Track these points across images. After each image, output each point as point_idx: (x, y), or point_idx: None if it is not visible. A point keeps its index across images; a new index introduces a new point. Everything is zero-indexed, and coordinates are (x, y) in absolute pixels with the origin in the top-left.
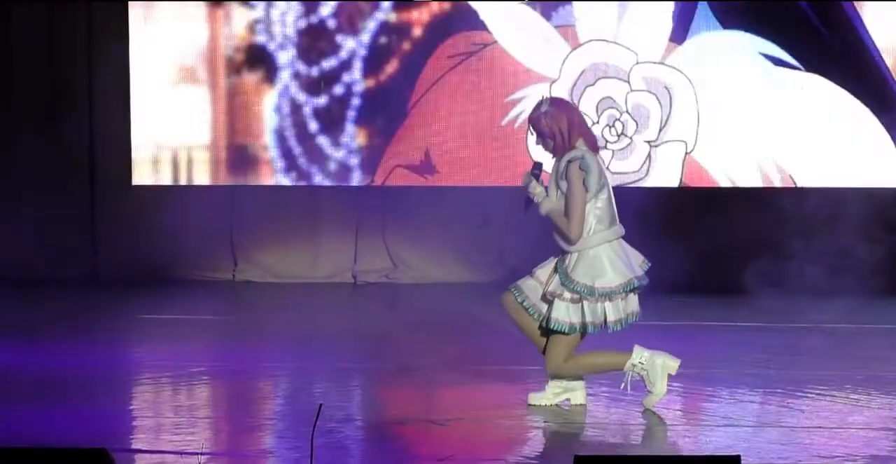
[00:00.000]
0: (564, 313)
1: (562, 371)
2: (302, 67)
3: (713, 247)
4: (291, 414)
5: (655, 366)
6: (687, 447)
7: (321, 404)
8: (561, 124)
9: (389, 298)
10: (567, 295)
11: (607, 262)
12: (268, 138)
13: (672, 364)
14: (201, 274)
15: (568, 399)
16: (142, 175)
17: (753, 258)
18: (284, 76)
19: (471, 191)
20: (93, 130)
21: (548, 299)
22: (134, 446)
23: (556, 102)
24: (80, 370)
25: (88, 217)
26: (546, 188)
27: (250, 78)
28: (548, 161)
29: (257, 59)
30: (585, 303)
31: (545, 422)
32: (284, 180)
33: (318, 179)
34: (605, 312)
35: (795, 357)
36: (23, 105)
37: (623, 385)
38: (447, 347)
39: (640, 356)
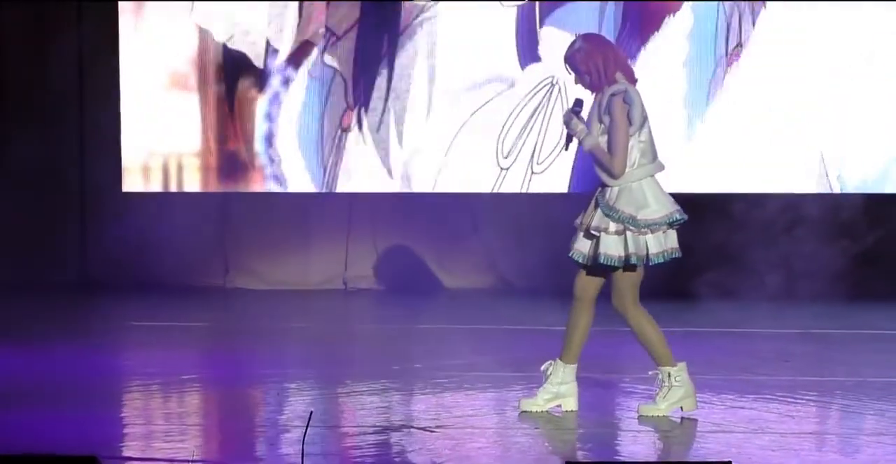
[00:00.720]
0: (613, 247)
1: (628, 313)
2: (292, 73)
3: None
4: (282, 421)
5: (681, 391)
6: (678, 454)
7: (312, 411)
8: (597, 60)
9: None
10: (612, 227)
11: (650, 194)
12: (258, 145)
13: (691, 403)
14: (192, 281)
15: (559, 406)
16: (133, 182)
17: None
18: (275, 83)
19: (460, 197)
20: (83, 137)
21: (592, 235)
22: (124, 454)
23: (588, 38)
24: (71, 377)
25: (79, 223)
26: (587, 124)
27: (241, 84)
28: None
29: (247, 65)
30: (629, 234)
31: (536, 428)
32: (275, 187)
33: (307, 187)
34: (647, 245)
35: (784, 363)
36: (13, 111)
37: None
38: (438, 353)
39: (682, 373)
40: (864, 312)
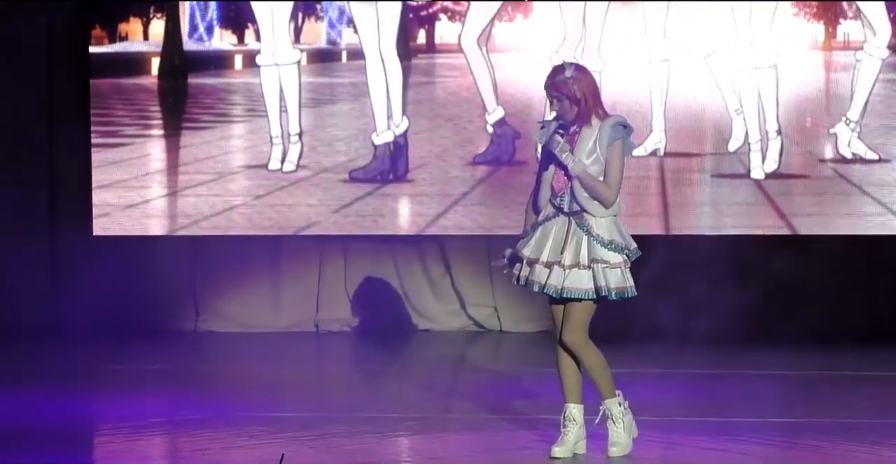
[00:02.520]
0: (622, 279)
1: (582, 348)
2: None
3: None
4: (253, 463)
5: (629, 415)
6: None
7: (283, 454)
8: (586, 90)
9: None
10: (618, 260)
11: (624, 228)
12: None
13: (635, 430)
14: (163, 324)
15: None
16: (103, 225)
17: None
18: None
19: (432, 239)
20: (53, 179)
21: (585, 267)
22: None
23: (580, 68)
24: (39, 421)
25: (49, 267)
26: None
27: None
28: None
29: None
30: (624, 267)
31: None
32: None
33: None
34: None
35: (754, 404)
36: None
37: (598, 419)
38: (411, 395)
39: (625, 402)
40: (836, 354)
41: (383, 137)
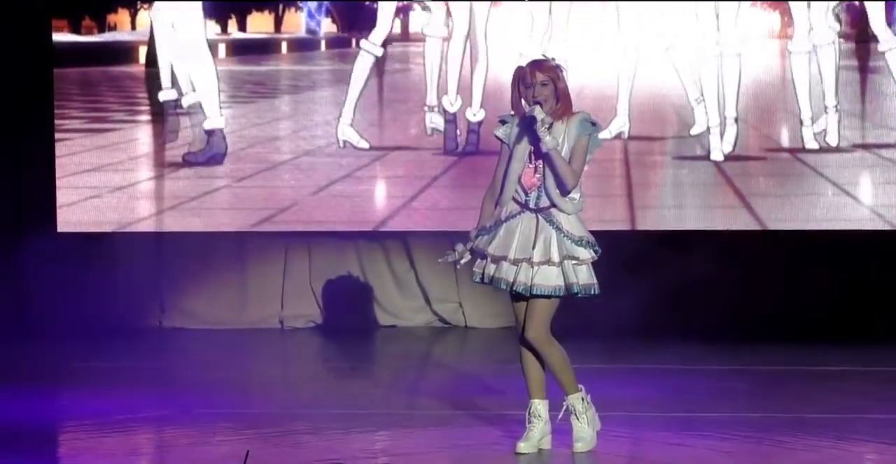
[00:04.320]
0: (588, 276)
1: (545, 345)
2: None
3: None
4: (218, 460)
5: (592, 409)
6: None
7: (248, 451)
8: (566, 86)
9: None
10: (587, 256)
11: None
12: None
13: (598, 423)
14: (127, 321)
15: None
16: (67, 221)
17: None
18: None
19: (396, 235)
20: (16, 175)
21: (555, 264)
22: None
23: (559, 65)
24: (4, 420)
25: (13, 264)
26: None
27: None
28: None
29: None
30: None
31: None
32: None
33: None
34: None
35: (720, 400)
36: None
37: (561, 415)
38: (375, 391)
39: (587, 397)
40: (801, 350)
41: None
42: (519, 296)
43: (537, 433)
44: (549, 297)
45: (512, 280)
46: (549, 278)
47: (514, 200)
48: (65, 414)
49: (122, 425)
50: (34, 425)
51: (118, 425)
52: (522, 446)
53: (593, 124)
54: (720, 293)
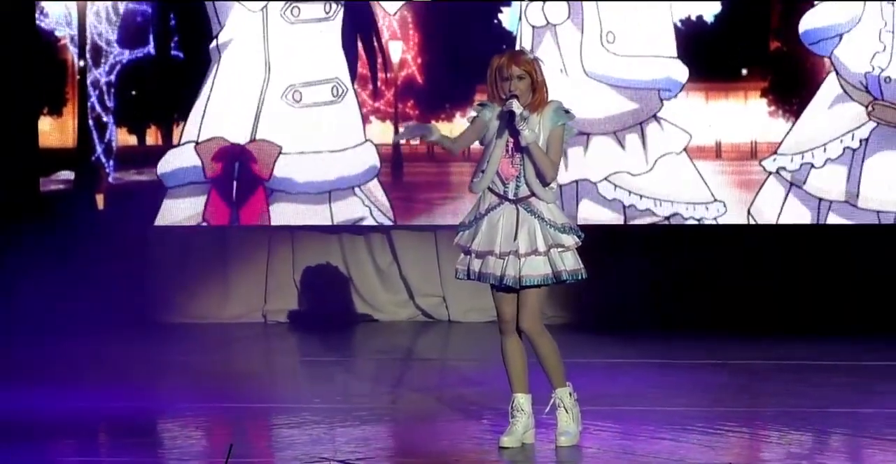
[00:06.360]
0: (574, 261)
1: (539, 335)
2: None
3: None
4: (202, 454)
5: (577, 411)
6: None
7: (232, 444)
8: (543, 78)
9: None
10: (571, 243)
11: None
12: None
13: (581, 422)
14: (110, 315)
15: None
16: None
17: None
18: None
19: (379, 229)
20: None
21: (542, 253)
22: None
23: (536, 58)
24: None
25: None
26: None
27: None
28: None
29: None
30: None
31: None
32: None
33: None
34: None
35: (703, 393)
36: None
37: (548, 409)
38: (358, 386)
39: (574, 393)
40: (783, 344)
41: None
42: (502, 288)
43: (521, 427)
44: (538, 286)
45: (500, 274)
46: (537, 268)
47: (492, 191)
48: (45, 407)
49: (104, 419)
50: (9, 419)
51: (100, 418)
52: (506, 440)
53: (566, 112)
54: (703, 287)
